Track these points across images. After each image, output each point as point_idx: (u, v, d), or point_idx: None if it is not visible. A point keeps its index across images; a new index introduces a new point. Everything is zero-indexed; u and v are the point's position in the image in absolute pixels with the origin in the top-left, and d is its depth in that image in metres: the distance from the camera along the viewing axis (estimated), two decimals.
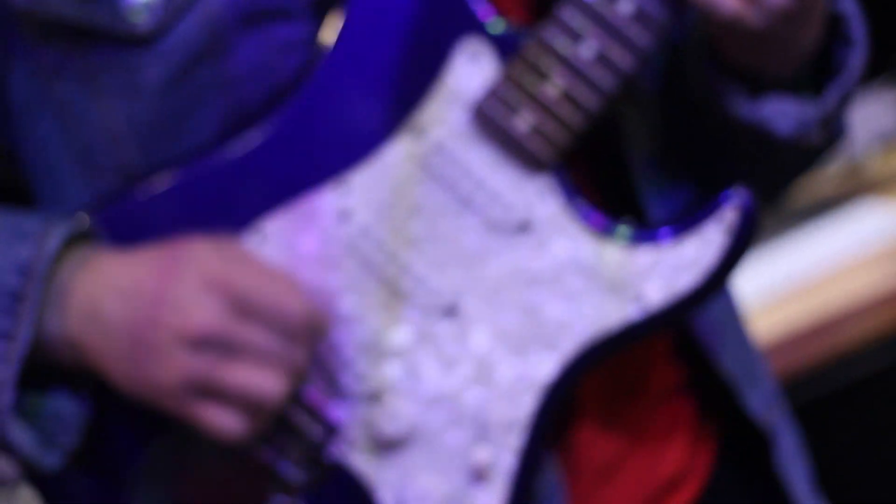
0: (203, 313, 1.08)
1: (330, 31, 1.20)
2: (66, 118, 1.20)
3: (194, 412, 1.10)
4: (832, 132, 1.28)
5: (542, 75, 1.17)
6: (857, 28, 1.26)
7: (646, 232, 1.19)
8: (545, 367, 1.17)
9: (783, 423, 1.38)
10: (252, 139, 1.18)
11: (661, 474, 1.32)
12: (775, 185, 1.38)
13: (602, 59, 1.17)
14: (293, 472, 1.15)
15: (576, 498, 1.24)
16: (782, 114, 1.25)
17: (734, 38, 1.21)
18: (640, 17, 1.17)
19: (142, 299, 1.10)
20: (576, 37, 1.17)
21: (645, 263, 1.18)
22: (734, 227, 1.18)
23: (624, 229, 1.19)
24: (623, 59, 1.17)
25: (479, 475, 1.16)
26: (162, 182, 1.19)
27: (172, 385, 1.09)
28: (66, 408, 1.15)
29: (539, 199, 1.18)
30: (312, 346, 1.13)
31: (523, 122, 1.17)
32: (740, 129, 1.27)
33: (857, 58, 1.26)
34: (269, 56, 1.18)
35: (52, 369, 1.15)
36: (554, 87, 1.17)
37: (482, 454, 1.16)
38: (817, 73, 1.26)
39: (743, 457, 1.35)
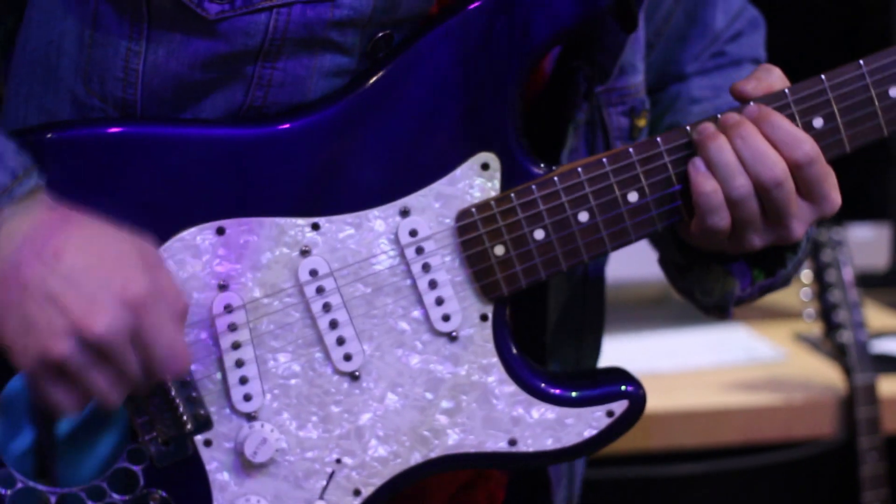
0: (107, 323, 1.11)
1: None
2: (93, 33, 1.21)
3: (45, 387, 1.13)
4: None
5: (536, 220, 1.24)
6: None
7: (544, 388, 1.27)
8: (409, 460, 1.26)
9: None
10: (253, 139, 1.21)
11: None
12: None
13: (593, 232, 1.25)
14: (154, 444, 1.22)
15: None
16: (703, 293, 1.37)
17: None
18: (642, 211, 1.25)
19: (58, 272, 1.11)
20: (581, 202, 1.24)
21: (531, 414, 1.27)
22: (618, 417, 1.29)
23: (528, 378, 1.27)
24: (611, 240, 1.25)
25: None
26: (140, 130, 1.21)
27: (44, 360, 1.11)
28: None
29: (475, 321, 1.26)
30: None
31: (499, 251, 1.24)
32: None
33: (793, 267, 1.37)
34: (309, 75, 1.22)
35: None
36: (542, 234, 1.24)
37: None
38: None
39: None
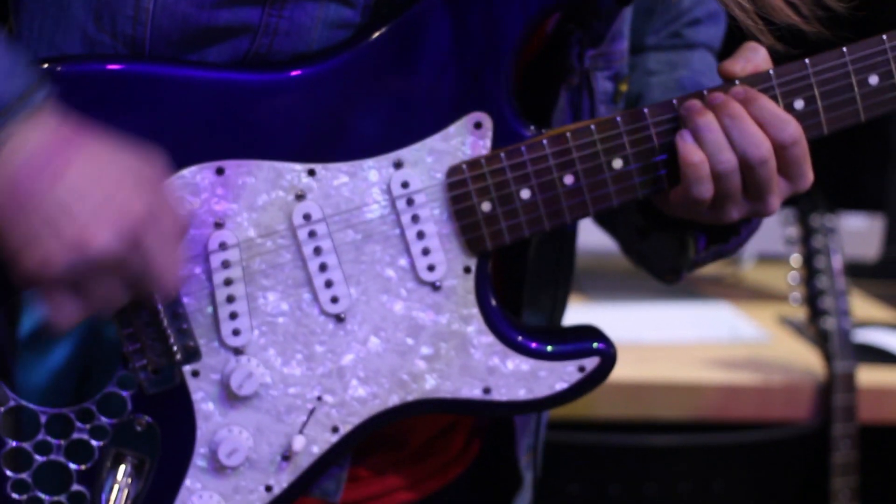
0: (108, 239, 1.15)
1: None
2: None
3: (45, 297, 1.17)
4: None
5: (523, 179, 1.28)
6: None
7: (520, 341, 1.32)
8: (387, 402, 1.31)
9: (533, 462, 1.58)
10: (257, 84, 1.26)
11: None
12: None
13: (576, 195, 1.29)
14: (144, 372, 1.27)
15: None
16: (660, 257, 1.43)
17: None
18: (625, 178, 1.29)
19: (63, 187, 1.15)
20: (567, 165, 1.28)
21: (506, 365, 1.32)
22: (589, 373, 1.34)
23: (505, 330, 1.32)
24: (594, 203, 1.29)
25: (286, 456, 1.31)
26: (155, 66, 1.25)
27: (42, 274, 1.16)
28: None
29: (459, 272, 1.30)
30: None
31: (486, 207, 1.29)
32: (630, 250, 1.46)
33: (747, 236, 1.43)
34: (314, 24, 1.26)
35: None
36: (528, 194, 1.29)
37: (298, 444, 1.30)
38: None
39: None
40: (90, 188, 1.15)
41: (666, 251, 1.43)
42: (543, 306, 1.46)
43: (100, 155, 1.18)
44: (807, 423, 2.29)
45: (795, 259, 2.39)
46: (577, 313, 1.62)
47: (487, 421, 1.53)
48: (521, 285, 1.42)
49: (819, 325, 2.35)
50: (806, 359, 2.37)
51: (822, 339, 2.33)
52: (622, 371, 2.22)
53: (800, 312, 2.41)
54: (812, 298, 2.37)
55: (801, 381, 2.30)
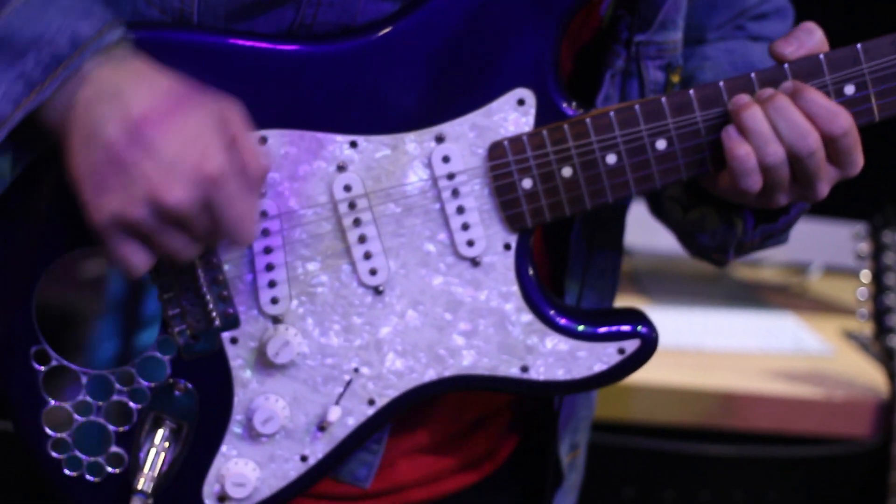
0: (181, 196, 1.17)
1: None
2: None
3: (117, 244, 1.19)
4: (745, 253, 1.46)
5: (565, 158, 1.28)
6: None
7: (559, 320, 1.32)
8: (423, 376, 1.32)
9: (576, 463, 1.58)
10: (302, 56, 1.27)
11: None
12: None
13: (619, 174, 1.29)
14: (183, 336, 1.29)
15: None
16: (705, 233, 1.42)
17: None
18: (669, 159, 1.29)
19: (139, 139, 1.17)
20: (610, 145, 1.28)
21: (544, 344, 1.32)
22: (628, 355, 1.33)
23: (544, 309, 1.32)
24: (636, 183, 1.29)
25: (322, 427, 1.31)
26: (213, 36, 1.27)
27: (118, 220, 1.18)
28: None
29: (499, 249, 1.31)
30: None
31: (527, 184, 1.29)
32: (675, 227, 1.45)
33: (797, 214, 1.42)
34: None
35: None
36: (569, 172, 1.29)
37: (334, 415, 1.30)
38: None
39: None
40: (168, 141, 1.17)
41: (710, 227, 1.41)
42: (596, 286, 1.46)
43: (181, 105, 1.19)
44: (866, 441, 2.25)
45: (865, 275, 2.36)
46: None
47: (526, 416, 1.52)
48: (564, 265, 1.42)
49: (885, 343, 2.31)
50: (869, 375, 2.33)
51: (886, 357, 2.30)
52: (682, 377, 2.22)
53: (866, 328, 2.37)
54: (879, 315, 2.33)
55: (863, 398, 2.26)
